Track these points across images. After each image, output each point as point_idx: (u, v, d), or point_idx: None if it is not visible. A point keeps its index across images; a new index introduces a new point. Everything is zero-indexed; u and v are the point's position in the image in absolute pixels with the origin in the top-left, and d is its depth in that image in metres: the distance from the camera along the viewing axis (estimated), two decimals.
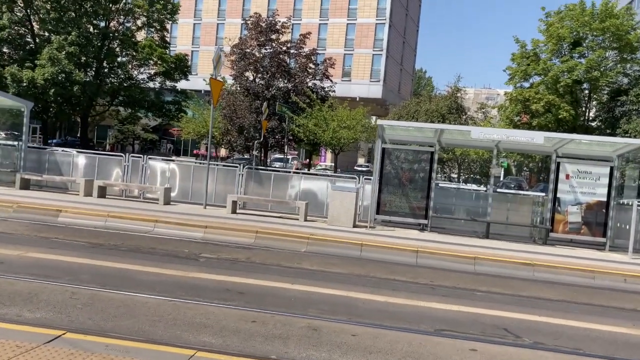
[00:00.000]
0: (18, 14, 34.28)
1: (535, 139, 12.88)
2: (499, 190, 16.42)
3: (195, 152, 55.89)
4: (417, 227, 14.10)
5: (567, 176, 13.55)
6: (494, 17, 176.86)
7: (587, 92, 31.94)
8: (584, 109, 32.63)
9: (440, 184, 18.20)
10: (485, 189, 17.00)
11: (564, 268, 10.48)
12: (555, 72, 29.00)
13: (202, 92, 47.18)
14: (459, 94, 34.78)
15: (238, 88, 33.87)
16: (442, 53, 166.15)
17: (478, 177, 33.51)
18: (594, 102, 33.14)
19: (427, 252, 10.82)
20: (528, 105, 29.64)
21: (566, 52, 30.48)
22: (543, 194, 15.28)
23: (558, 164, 13.60)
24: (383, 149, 13.97)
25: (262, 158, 35.31)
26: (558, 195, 13.58)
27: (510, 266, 10.49)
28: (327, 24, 60.08)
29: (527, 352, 5.79)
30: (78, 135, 43.38)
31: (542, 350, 5.89)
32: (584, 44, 30.33)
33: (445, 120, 30.92)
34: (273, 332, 5.61)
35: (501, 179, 43.55)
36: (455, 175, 35.84)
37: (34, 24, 35.02)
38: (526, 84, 31.82)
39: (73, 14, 33.93)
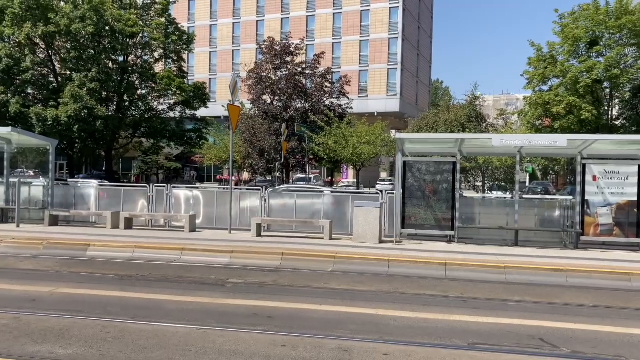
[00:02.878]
0: (40, 55, 35.32)
1: (558, 142, 12.66)
2: (525, 196, 16.13)
3: (218, 177, 56.45)
4: (444, 239, 13.92)
5: (594, 177, 13.28)
6: (507, 22, 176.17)
7: (608, 91, 31.44)
8: (606, 108, 32.09)
9: (464, 194, 17.99)
10: (511, 195, 16.74)
11: (597, 272, 10.21)
12: (574, 73, 28.63)
13: (222, 118, 47.80)
14: (477, 102, 34.59)
15: (256, 112, 34.24)
16: (457, 62, 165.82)
17: (503, 183, 33.07)
18: (616, 101, 32.59)
19: (456, 264, 10.66)
20: (549, 108, 29.27)
21: (583, 52, 30.11)
22: (571, 197, 14.98)
23: (584, 166, 13.35)
24: (404, 162, 13.89)
25: (285, 179, 35.45)
26: (586, 197, 13.29)
27: (542, 273, 10.26)
28: (340, 42, 60.55)
29: None
30: (103, 168, 44.16)
31: (582, 359, 5.72)
32: (601, 43, 29.95)
33: (465, 129, 30.73)
34: (304, 355, 5.56)
35: (527, 184, 42.93)
36: (480, 184, 35.44)
37: (55, 63, 36.05)
38: (545, 87, 31.46)
39: (92, 51, 34.82)
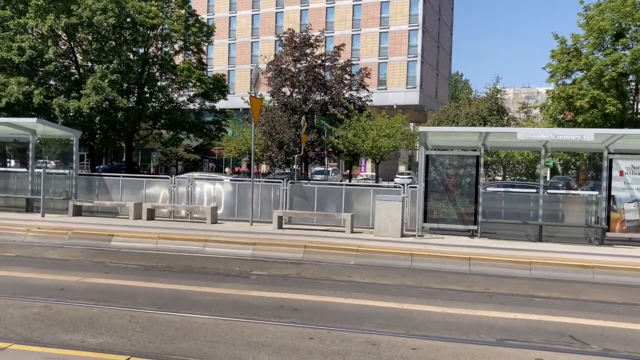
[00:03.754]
0: (62, 47, 35.64)
1: (585, 137, 12.45)
2: (549, 191, 15.93)
3: (236, 169, 56.66)
4: (466, 234, 13.81)
5: (621, 173, 13.05)
6: (529, 14, 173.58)
7: (633, 84, 30.82)
8: (631, 101, 31.46)
9: (494, 188, 17.78)
10: (534, 190, 16.51)
11: (625, 269, 10.05)
12: (599, 66, 28.08)
13: (240, 110, 47.90)
14: (498, 95, 34.18)
15: (276, 104, 34.23)
16: (478, 55, 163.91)
17: (524, 178, 32.70)
18: None
19: (480, 259, 10.57)
20: (572, 102, 28.79)
21: (609, 45, 29.50)
22: (596, 193, 14.73)
23: (610, 161, 13.12)
24: (427, 156, 13.78)
25: (303, 172, 35.46)
26: (612, 193, 13.07)
27: (568, 269, 10.13)
28: (360, 34, 60.22)
29: None
30: (123, 159, 44.57)
31: (614, 357, 5.65)
32: (627, 35, 29.31)
33: (486, 123, 30.43)
34: (332, 348, 5.55)
35: (547, 178, 42.40)
36: (500, 177, 35.09)
37: (77, 55, 36.35)
38: (568, 81, 30.93)
39: (113, 43, 35.04)
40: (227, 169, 38.16)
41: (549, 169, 48.11)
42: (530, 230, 13.75)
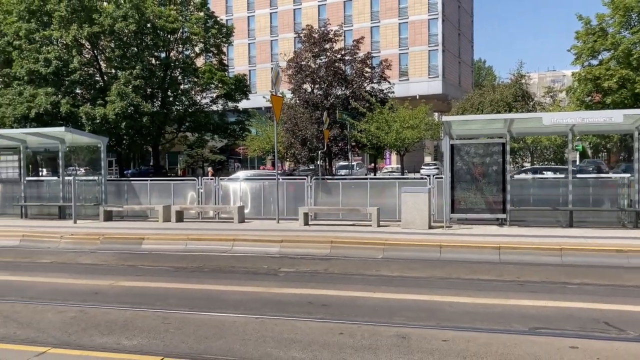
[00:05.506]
0: (86, 55, 36.33)
1: (614, 118, 12.16)
2: (578, 175, 15.61)
3: (261, 167, 56.99)
4: (495, 222, 13.64)
5: None
6: None
7: None
8: None
9: (514, 175, 17.51)
10: (563, 175, 16.21)
11: None
12: (626, 45, 27.41)
13: (263, 109, 48.09)
14: (523, 80, 33.61)
15: (297, 101, 34.24)
16: (500, 40, 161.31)
17: (552, 163, 32.14)
18: None
19: (510, 248, 10.44)
20: (599, 83, 28.17)
21: (636, 23, 28.75)
22: (628, 175, 14.40)
23: None
24: (452, 146, 13.65)
25: (327, 167, 35.46)
26: None
27: (600, 255, 9.93)
28: (378, 26, 59.85)
29: (637, 347, 5.43)
30: (151, 163, 45.23)
31: None
32: None
33: (511, 109, 29.98)
34: (362, 343, 5.56)
35: (577, 162, 41.62)
36: (528, 164, 34.53)
37: (101, 63, 37.03)
38: (595, 62, 30.25)
39: (135, 49, 35.57)
40: (209, 169, 38.49)
41: (578, 152, 47.20)
42: (560, 216, 13.53)
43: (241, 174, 22.37)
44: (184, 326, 6.23)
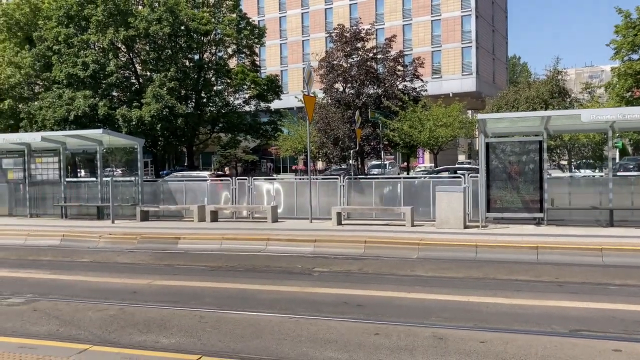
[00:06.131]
0: (122, 59, 37.10)
1: None
2: (619, 173, 15.19)
3: (293, 167, 57.22)
4: (532, 222, 13.38)
5: None
6: None
7: None
8: None
9: (551, 174, 17.12)
10: (601, 173, 15.80)
11: None
12: None
13: (295, 109, 48.27)
14: (559, 77, 32.81)
15: (329, 100, 34.24)
16: (535, 36, 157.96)
17: (591, 161, 31.32)
18: None
19: (548, 248, 10.22)
20: None
21: None
22: None
23: None
24: (487, 144, 13.45)
25: (359, 166, 35.36)
26: None
27: None
28: (411, 24, 59.36)
29: None
30: (186, 164, 45.91)
31: None
32: None
33: (548, 106, 29.32)
34: (398, 343, 5.52)
35: (617, 160, 40.48)
36: (565, 162, 33.77)
37: (136, 65, 37.75)
38: (635, 56, 29.31)
39: (169, 51, 36.13)
40: (226, 168, 38.77)
41: (618, 150, 45.83)
42: (600, 216, 13.18)
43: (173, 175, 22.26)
44: (220, 325, 6.30)
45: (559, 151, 31.17)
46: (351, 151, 30.93)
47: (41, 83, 38.07)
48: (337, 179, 16.28)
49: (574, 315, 6.47)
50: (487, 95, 53.07)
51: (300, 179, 20.05)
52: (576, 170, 28.92)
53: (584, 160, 31.49)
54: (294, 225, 14.35)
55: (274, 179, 19.24)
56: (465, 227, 12.97)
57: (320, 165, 48.08)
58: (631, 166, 34.05)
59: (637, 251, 9.75)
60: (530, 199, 13.16)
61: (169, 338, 5.87)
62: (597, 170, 27.18)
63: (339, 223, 14.28)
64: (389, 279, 8.81)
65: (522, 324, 6.15)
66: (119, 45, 36.06)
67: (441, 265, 9.75)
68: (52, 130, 31.20)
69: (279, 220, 15.48)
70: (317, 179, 17.36)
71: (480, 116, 13.65)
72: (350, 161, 32.54)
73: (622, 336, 5.64)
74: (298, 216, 15.91)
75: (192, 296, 7.89)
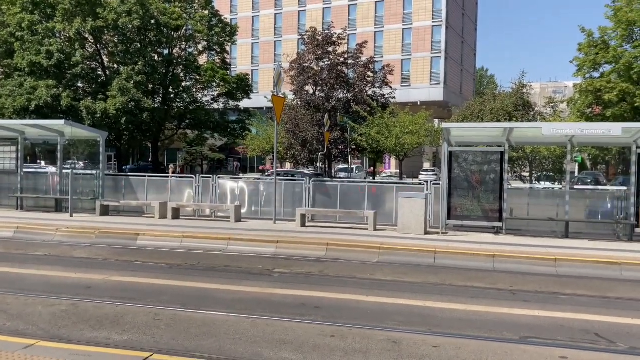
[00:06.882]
0: (89, 49, 36.30)
1: (613, 131, 12.18)
2: (576, 186, 15.64)
3: (261, 167, 56.98)
4: (491, 231, 13.65)
5: None
6: (554, 8, 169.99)
7: None
8: None
9: (511, 184, 17.53)
10: (560, 186, 16.25)
11: None
12: (628, 58, 27.42)
13: (264, 109, 48.12)
14: (524, 90, 33.63)
15: (299, 102, 34.27)
16: (503, 50, 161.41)
17: (551, 174, 32.14)
18: None
19: (505, 256, 10.45)
20: (600, 95, 28.18)
21: (638, 37, 28.77)
22: (624, 188, 14.43)
23: (639, 155, 12.82)
24: (450, 153, 13.67)
25: (326, 170, 35.46)
26: None
27: (594, 266, 9.94)
28: (382, 31, 59.88)
29: (625, 359, 5.43)
30: (150, 160, 45.19)
31: None
32: None
33: (512, 118, 30.01)
34: (353, 346, 5.56)
35: (576, 174, 41.65)
36: (527, 174, 34.57)
37: (103, 57, 36.99)
38: (596, 74, 30.27)
39: (138, 44, 35.53)
40: (171, 165, 38.45)
41: (577, 164, 47.15)
42: (556, 227, 13.55)
43: None
44: (175, 323, 6.23)
45: (520, 163, 31.92)
46: (319, 154, 31.00)
47: (1, 70, 36.92)
48: (303, 180, 16.29)
49: (525, 323, 6.63)
50: (453, 105, 53.95)
51: (265, 178, 19.96)
52: (536, 182, 29.68)
53: (544, 173, 32.33)
54: (258, 225, 14.29)
55: (240, 178, 19.12)
56: (426, 233, 13.14)
57: (288, 166, 48.01)
58: (589, 180, 35.09)
59: (588, 262, 10.05)
60: (490, 208, 13.42)
61: (121, 335, 5.76)
62: (556, 183, 27.92)
63: (303, 225, 14.28)
64: (349, 282, 8.86)
65: (475, 330, 6.27)
66: (86, 36, 35.25)
67: (400, 270, 9.85)
68: (12, 119, 30.27)
69: (242, 220, 15.39)
70: (284, 180, 17.31)
71: (444, 125, 13.87)
72: (318, 164, 32.60)
73: (569, 344, 5.81)
74: (262, 217, 15.85)
75: (148, 293, 7.77)
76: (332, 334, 5.92)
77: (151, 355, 4.97)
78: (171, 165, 38.64)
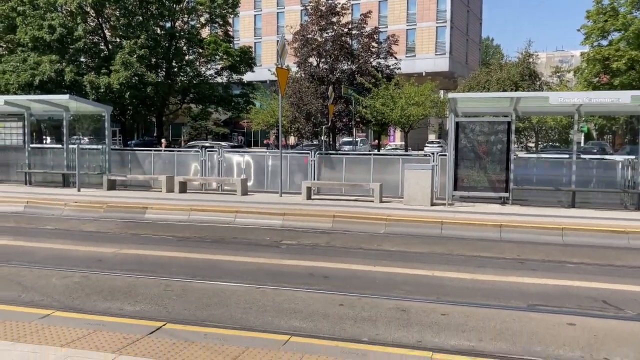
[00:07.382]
0: (91, 24, 36.02)
1: (622, 99, 12.06)
2: (582, 156, 15.57)
3: (265, 141, 56.91)
4: (497, 201, 13.66)
5: None
6: None
7: None
8: None
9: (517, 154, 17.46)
10: (567, 156, 16.16)
11: None
12: (637, 25, 27.05)
13: (268, 82, 47.80)
14: (530, 60, 33.29)
15: (303, 75, 34.02)
16: (509, 18, 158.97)
17: (557, 144, 32.02)
18: None
19: (511, 226, 10.47)
20: (608, 64, 27.90)
21: None
22: (632, 157, 14.35)
23: None
24: (457, 123, 13.59)
25: (331, 142, 35.40)
26: None
27: (601, 235, 9.96)
28: (387, 0, 59.01)
29: (633, 325, 5.48)
30: (154, 134, 45.20)
31: None
32: None
33: (518, 88, 29.75)
34: (362, 314, 5.62)
35: (582, 144, 41.49)
36: (532, 144, 34.44)
37: (106, 31, 36.74)
38: (604, 42, 29.92)
39: (140, 17, 35.24)
40: (163, 140, 38.60)
41: (583, 134, 46.93)
42: (563, 197, 13.53)
43: None
44: (186, 294, 6.31)
45: (526, 133, 31.80)
46: (323, 127, 30.90)
47: (4, 45, 36.73)
48: (308, 153, 16.28)
49: (533, 291, 6.68)
50: (459, 75, 53.42)
51: (272, 150, 19.96)
52: (542, 153, 29.49)
53: (550, 143, 32.20)
54: (264, 198, 14.34)
55: (245, 152, 19.12)
56: (433, 204, 13.16)
57: (292, 140, 47.93)
58: (595, 150, 34.93)
59: (595, 231, 10.06)
60: (497, 178, 13.40)
61: (133, 306, 5.85)
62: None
63: (309, 197, 14.32)
64: (356, 252, 8.92)
65: (483, 298, 6.32)
66: (88, 10, 34.97)
67: (407, 241, 9.91)
68: (16, 95, 30.24)
69: (248, 193, 15.43)
70: (289, 153, 17.30)
71: (451, 95, 13.77)
72: (322, 137, 32.52)
73: (576, 311, 5.86)
74: (268, 190, 15.89)
75: (158, 265, 7.85)
76: (341, 303, 5.99)
77: (164, 325, 5.04)
78: (163, 140, 38.80)
